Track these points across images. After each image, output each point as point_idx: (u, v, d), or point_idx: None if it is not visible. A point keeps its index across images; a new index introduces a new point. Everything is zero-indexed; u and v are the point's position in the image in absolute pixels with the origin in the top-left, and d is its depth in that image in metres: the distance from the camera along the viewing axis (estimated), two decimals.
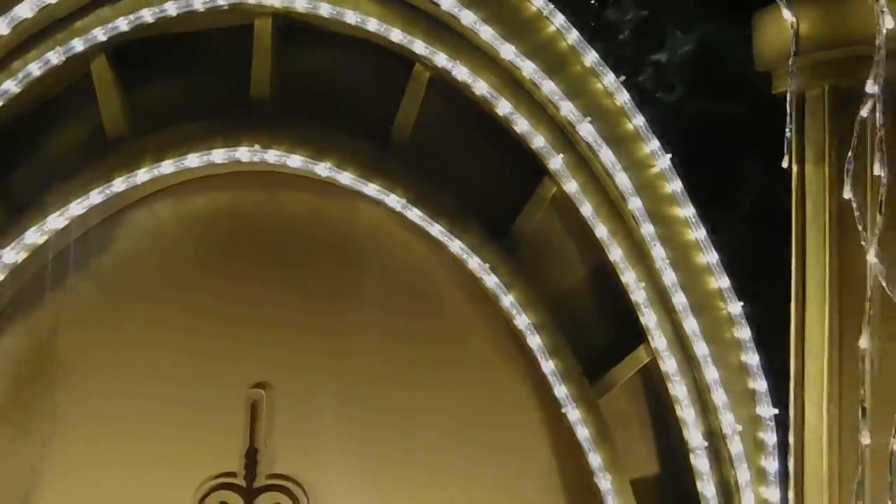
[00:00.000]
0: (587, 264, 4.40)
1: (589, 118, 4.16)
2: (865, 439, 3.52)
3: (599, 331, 4.40)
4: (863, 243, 3.42)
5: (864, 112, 3.47)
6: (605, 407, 4.32)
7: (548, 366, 4.22)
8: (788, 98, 3.85)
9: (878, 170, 3.48)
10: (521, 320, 4.23)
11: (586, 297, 4.42)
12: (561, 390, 4.22)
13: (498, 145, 4.43)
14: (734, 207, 4.57)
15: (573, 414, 4.21)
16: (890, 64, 3.52)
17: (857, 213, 3.49)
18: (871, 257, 3.45)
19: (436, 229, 4.25)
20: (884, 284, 3.37)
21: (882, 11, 3.37)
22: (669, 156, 4.21)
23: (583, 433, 4.20)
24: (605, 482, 4.19)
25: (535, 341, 4.23)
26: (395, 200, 4.26)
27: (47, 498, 4.38)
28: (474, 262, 4.24)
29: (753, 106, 4.08)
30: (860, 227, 3.48)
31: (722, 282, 4.20)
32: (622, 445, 4.32)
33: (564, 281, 4.43)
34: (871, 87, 3.45)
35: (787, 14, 3.84)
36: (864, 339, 3.53)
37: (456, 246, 4.25)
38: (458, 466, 4.34)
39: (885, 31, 3.46)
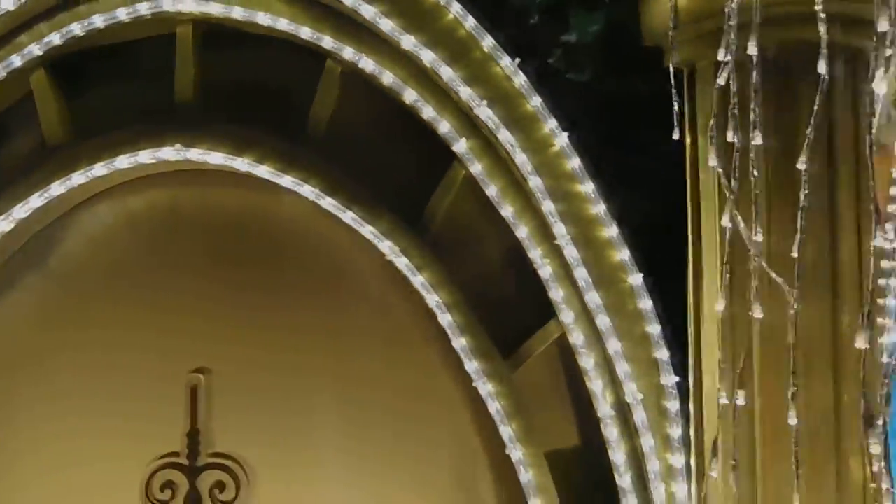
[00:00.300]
0: (503, 243, 4.53)
1: (485, 101, 4.33)
2: (723, 400, 3.58)
3: (516, 306, 4.59)
4: (727, 214, 3.47)
5: (720, 81, 3.53)
6: (522, 381, 4.46)
7: (458, 342, 4.37)
8: (672, 71, 3.90)
9: (730, 137, 3.53)
10: (431, 299, 4.39)
11: (503, 274, 4.56)
12: (472, 365, 4.36)
13: (415, 132, 4.65)
14: (650, 180, 4.63)
15: (484, 388, 4.35)
16: (745, 34, 3.55)
17: (723, 182, 3.55)
18: (725, 221, 3.50)
19: (348, 216, 4.44)
20: (751, 250, 3.42)
21: None
22: (567, 134, 4.29)
23: (494, 406, 4.34)
24: (516, 453, 4.33)
25: (445, 319, 4.38)
26: (308, 190, 4.47)
27: None
28: (385, 246, 4.44)
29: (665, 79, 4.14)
30: (728, 195, 3.54)
31: (623, 254, 4.30)
32: (540, 418, 4.47)
33: (481, 259, 4.59)
34: (722, 55, 3.50)
35: None
36: (720, 303, 3.59)
37: (367, 231, 4.45)
38: (380, 439, 4.53)
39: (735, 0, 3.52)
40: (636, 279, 4.27)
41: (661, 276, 4.49)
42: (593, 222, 4.32)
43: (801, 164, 3.25)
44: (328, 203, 4.46)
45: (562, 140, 4.32)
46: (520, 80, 4.33)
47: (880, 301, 5.19)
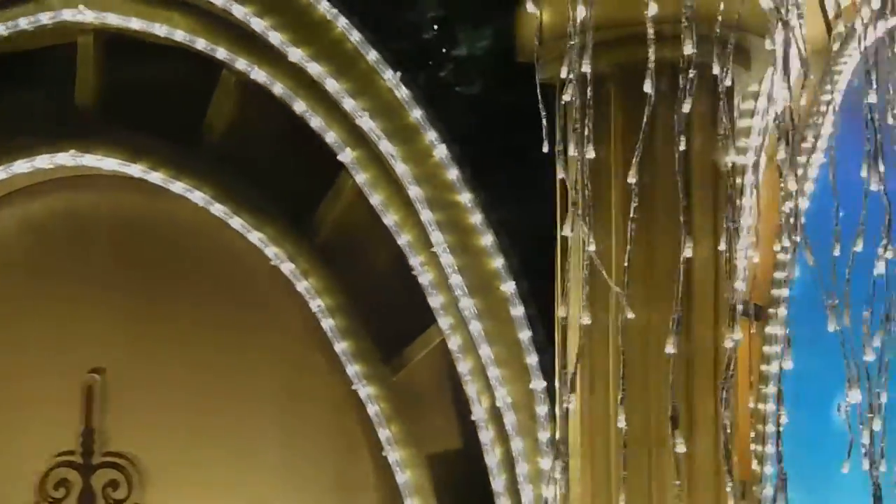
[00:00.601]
0: (391, 250, 4.63)
1: (367, 112, 4.49)
2: (565, 404, 3.69)
3: (403, 312, 4.71)
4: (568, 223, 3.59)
5: (565, 97, 3.65)
6: (404, 385, 4.61)
7: (340, 346, 4.53)
8: (538, 87, 4.01)
9: (571, 150, 3.65)
10: (314, 304, 4.56)
11: (391, 280, 4.71)
12: (352, 369, 4.52)
13: (310, 140, 4.77)
14: (533, 190, 4.77)
15: (363, 391, 4.51)
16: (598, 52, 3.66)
17: (572, 193, 3.67)
18: (566, 231, 3.61)
19: (236, 222, 4.60)
20: (594, 258, 3.53)
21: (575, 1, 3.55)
22: (446, 145, 4.43)
23: (373, 409, 4.50)
24: (394, 455, 4.47)
25: (328, 323, 4.54)
26: (199, 197, 4.62)
27: None
28: (271, 252, 4.59)
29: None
30: (571, 206, 3.66)
31: (498, 262, 4.43)
32: (423, 421, 4.62)
33: (370, 266, 4.75)
34: (564, 72, 3.63)
35: (531, 6, 4.01)
36: (562, 309, 3.70)
37: (254, 237, 4.59)
38: (268, 439, 4.65)
39: (579, 21, 3.62)
40: (509, 286, 4.42)
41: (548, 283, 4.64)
42: (471, 231, 4.47)
43: (632, 178, 3.38)
44: (217, 209, 4.61)
45: (441, 151, 4.48)
46: (402, 92, 4.49)
47: (771, 310, 5.38)
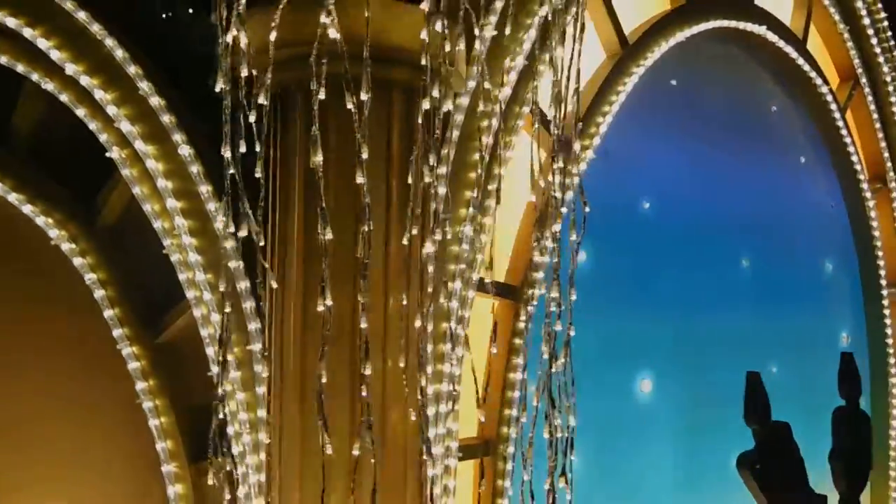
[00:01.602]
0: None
1: (126, 117, 5.28)
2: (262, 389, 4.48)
3: (168, 285, 5.53)
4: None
5: (226, 103, 4.35)
6: (166, 347, 5.50)
7: (108, 313, 5.47)
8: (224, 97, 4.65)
9: (228, 152, 4.33)
10: (88, 277, 5.48)
11: (161, 258, 5.56)
12: (118, 332, 5.44)
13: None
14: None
15: (126, 350, 5.43)
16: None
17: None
18: (221, 230, 4.33)
19: (27, 209, 5.53)
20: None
21: (221, 24, 4.22)
22: (189, 145, 5.29)
23: (133, 365, 5.41)
24: (147, 403, 5.35)
25: (99, 294, 5.47)
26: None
27: None
28: (52, 233, 5.51)
29: None
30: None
31: (229, 244, 5.20)
32: (180, 377, 5.46)
33: (144, 246, 5.60)
34: (216, 85, 4.32)
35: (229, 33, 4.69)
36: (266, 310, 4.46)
37: (40, 221, 5.52)
38: (52, 403, 5.53)
39: (225, 42, 4.30)
40: (237, 264, 5.19)
41: None
42: (208, 217, 5.27)
43: (258, 173, 4.08)
44: (13, 198, 5.53)
45: (185, 150, 5.29)
46: (155, 100, 5.31)
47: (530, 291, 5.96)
